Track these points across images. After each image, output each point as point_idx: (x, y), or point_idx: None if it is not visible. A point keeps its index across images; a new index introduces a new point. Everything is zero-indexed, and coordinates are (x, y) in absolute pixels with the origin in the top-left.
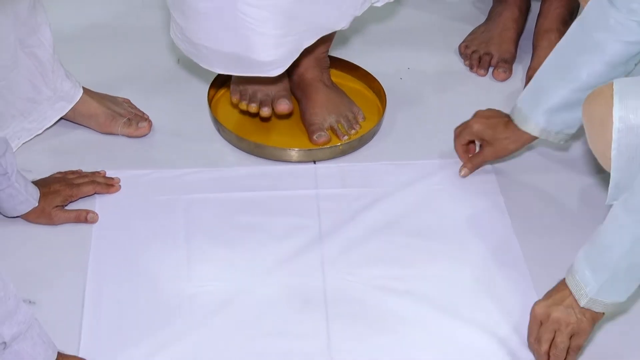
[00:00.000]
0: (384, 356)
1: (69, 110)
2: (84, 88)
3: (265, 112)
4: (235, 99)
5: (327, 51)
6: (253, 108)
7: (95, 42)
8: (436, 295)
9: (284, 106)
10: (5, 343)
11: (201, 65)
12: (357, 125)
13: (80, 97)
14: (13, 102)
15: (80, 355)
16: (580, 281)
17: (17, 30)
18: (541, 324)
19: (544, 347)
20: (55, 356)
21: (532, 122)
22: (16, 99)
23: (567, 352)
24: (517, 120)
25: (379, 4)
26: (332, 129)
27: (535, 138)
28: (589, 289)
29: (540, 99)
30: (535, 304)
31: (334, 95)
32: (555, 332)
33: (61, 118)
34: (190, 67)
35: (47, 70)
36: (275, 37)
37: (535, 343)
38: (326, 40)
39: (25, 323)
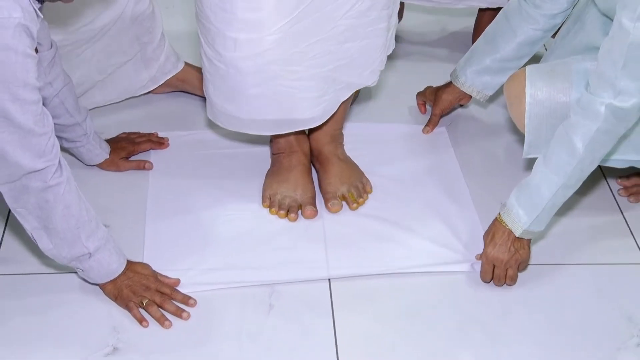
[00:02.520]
0: (370, 263)
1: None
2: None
3: (292, 217)
4: (265, 205)
5: (342, 128)
6: (282, 215)
7: None
8: (402, 219)
9: (310, 212)
10: (90, 253)
11: (246, 132)
12: (366, 195)
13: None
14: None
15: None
16: (515, 218)
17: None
18: (494, 266)
19: (501, 282)
20: (125, 262)
21: (461, 79)
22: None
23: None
24: (452, 79)
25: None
26: (344, 197)
27: (464, 93)
28: (523, 223)
29: (470, 63)
30: (485, 251)
31: (346, 167)
32: (507, 269)
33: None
34: None
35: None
36: (316, 98)
37: (494, 280)
38: (340, 118)
39: (103, 239)
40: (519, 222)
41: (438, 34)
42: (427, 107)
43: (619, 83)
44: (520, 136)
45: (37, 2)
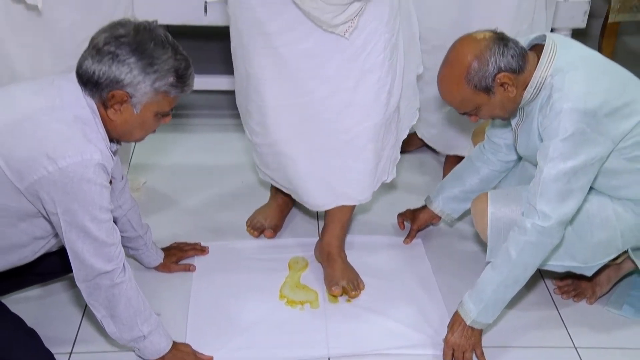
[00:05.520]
0: (365, 344)
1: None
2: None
3: (255, 235)
4: (247, 224)
5: (346, 235)
6: (255, 234)
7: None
8: (388, 311)
9: (268, 233)
10: (144, 336)
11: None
12: (359, 290)
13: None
14: None
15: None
16: (467, 310)
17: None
18: (453, 350)
19: None
20: (171, 342)
21: (435, 204)
22: None
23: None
24: (427, 203)
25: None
26: (343, 288)
27: (436, 215)
28: (472, 315)
29: (441, 192)
30: (446, 337)
31: (346, 267)
32: (463, 352)
33: None
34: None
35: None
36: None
37: None
38: (345, 228)
39: (155, 324)
40: (470, 313)
41: (416, 170)
42: (406, 224)
43: (539, 208)
44: (482, 245)
45: (113, 145)
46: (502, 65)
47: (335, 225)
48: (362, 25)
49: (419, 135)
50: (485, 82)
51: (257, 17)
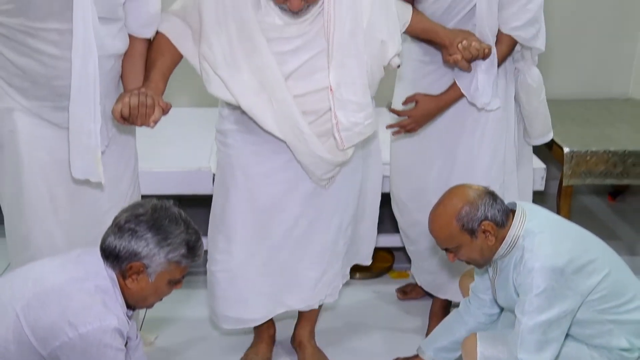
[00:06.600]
0: None
1: None
2: None
3: None
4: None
5: (315, 324)
6: None
7: None
8: None
9: None
10: None
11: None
12: None
13: None
14: None
15: None
16: None
17: None
18: None
19: None
20: None
21: (427, 354)
22: None
23: None
24: (419, 352)
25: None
26: None
27: None
28: None
29: (433, 343)
30: None
31: (316, 352)
32: None
33: None
34: None
35: None
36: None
37: None
38: (314, 321)
39: None
40: None
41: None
42: None
43: (520, 357)
44: None
45: (129, 311)
46: (489, 215)
47: (305, 322)
48: (338, 179)
49: (419, 283)
50: (472, 225)
51: (245, 161)
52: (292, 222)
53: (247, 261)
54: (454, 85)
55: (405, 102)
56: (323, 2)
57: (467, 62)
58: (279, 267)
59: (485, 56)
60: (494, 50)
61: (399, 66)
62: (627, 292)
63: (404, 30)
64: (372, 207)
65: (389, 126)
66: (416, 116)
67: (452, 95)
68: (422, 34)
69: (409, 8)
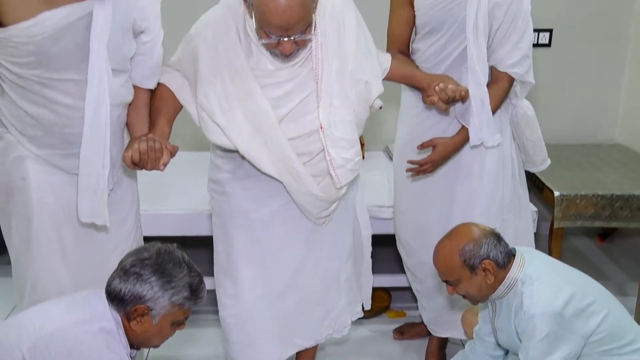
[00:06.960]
0: None
1: None
2: None
3: None
4: None
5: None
6: None
7: None
8: None
9: None
10: None
11: None
12: None
13: None
14: None
15: None
16: None
17: None
18: None
19: None
20: None
21: None
22: None
23: None
24: None
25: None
26: None
27: None
28: None
29: None
30: None
31: None
32: None
33: None
34: None
35: None
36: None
37: None
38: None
39: None
40: None
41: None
42: None
43: None
44: None
45: (133, 351)
46: (491, 255)
47: (304, 359)
48: (334, 216)
49: (425, 322)
50: (473, 262)
51: (245, 207)
52: (298, 262)
53: (256, 304)
54: (463, 127)
55: (423, 147)
56: (311, 46)
57: (445, 103)
58: (288, 308)
59: (462, 98)
60: (484, 90)
61: (380, 107)
62: (627, 333)
63: (384, 76)
64: (366, 242)
65: (409, 169)
66: (435, 159)
67: (465, 136)
68: (402, 79)
69: (388, 56)
